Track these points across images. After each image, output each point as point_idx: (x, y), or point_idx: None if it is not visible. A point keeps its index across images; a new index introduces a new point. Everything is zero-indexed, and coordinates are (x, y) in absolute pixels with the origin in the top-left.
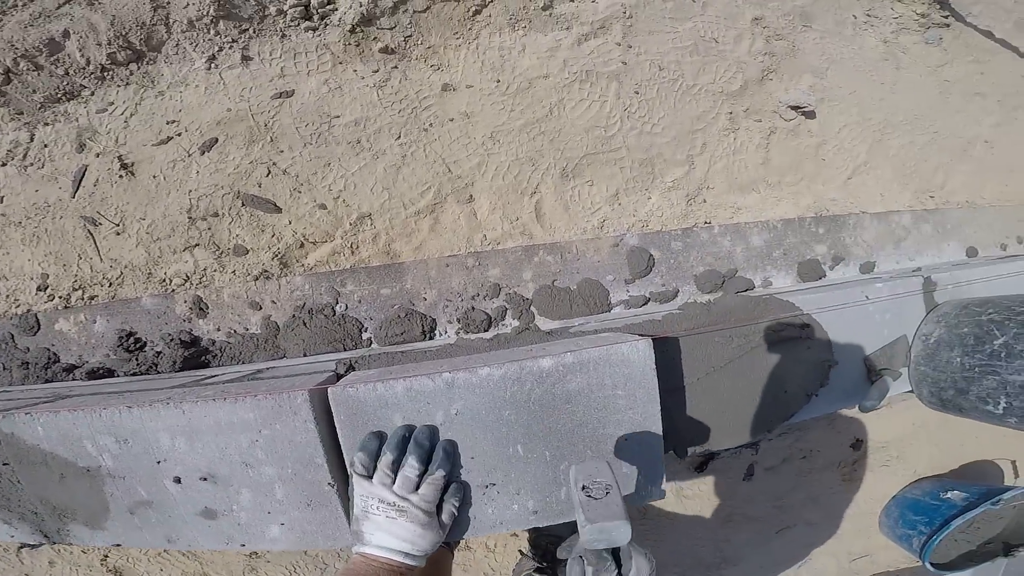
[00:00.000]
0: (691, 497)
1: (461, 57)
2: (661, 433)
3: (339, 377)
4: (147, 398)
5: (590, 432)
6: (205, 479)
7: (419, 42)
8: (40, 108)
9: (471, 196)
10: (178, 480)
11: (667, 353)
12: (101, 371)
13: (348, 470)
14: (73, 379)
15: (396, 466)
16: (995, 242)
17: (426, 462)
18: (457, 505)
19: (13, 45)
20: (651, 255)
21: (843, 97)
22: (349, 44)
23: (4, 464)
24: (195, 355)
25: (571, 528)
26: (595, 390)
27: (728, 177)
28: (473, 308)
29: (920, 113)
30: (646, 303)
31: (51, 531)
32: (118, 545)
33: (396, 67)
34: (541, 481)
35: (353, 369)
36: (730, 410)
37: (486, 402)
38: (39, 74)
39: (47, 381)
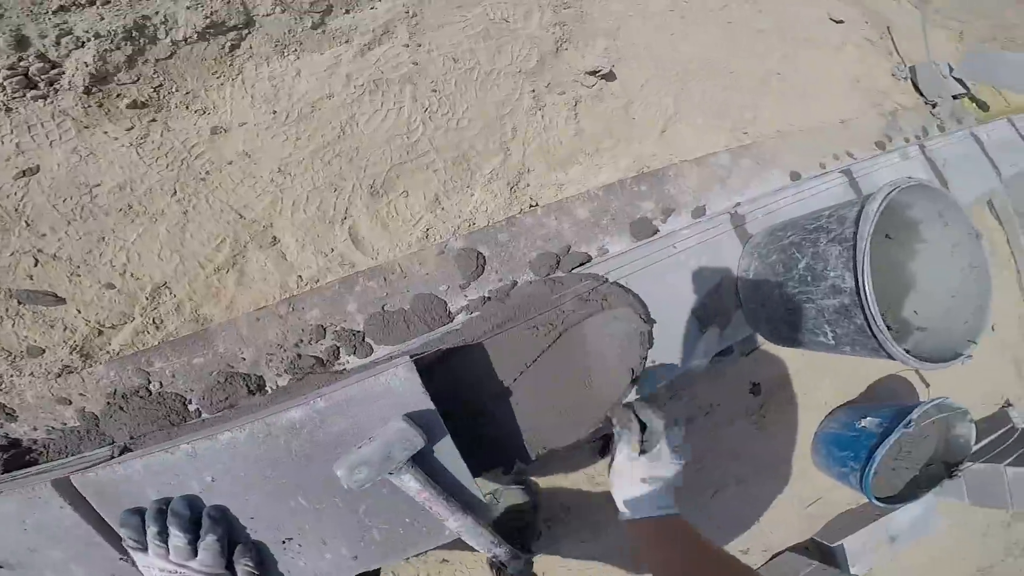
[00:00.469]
0: (604, 483)
1: (227, 95)
2: (456, 449)
3: (112, 459)
4: None
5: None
6: (1, 567)
7: (174, 89)
8: None
9: (274, 238)
10: None
11: (475, 360)
12: None
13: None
14: None
15: (164, 537)
16: (815, 164)
17: (193, 530)
18: (251, 564)
19: None
20: (479, 253)
21: (638, 54)
22: (90, 106)
23: None
24: (17, 456)
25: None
26: (364, 428)
27: (546, 156)
28: (300, 355)
29: (713, 57)
30: (486, 302)
31: None
32: None
33: (154, 120)
34: (345, 527)
35: (129, 450)
36: (558, 403)
37: (240, 465)
38: None
39: None
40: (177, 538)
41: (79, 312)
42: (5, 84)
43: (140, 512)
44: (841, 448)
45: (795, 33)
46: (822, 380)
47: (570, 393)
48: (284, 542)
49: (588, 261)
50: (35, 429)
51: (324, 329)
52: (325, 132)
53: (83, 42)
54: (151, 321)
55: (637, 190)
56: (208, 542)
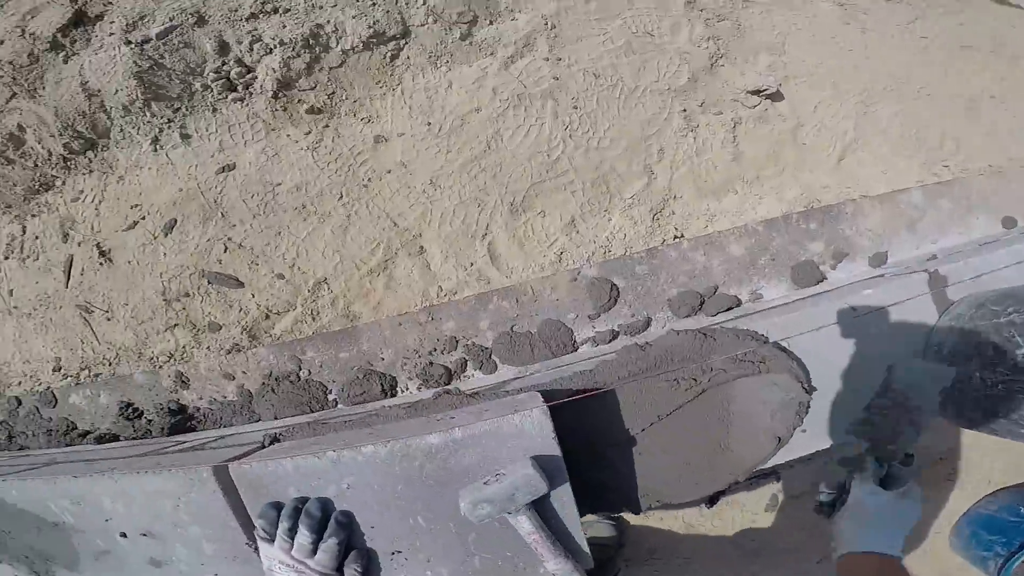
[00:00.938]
0: (707, 533)
1: (388, 105)
2: (572, 498)
3: (263, 448)
4: (97, 467)
5: None
6: (145, 535)
7: (344, 97)
8: (24, 200)
9: (421, 247)
10: (124, 535)
11: (604, 404)
12: (108, 436)
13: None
14: (85, 443)
15: (292, 533)
16: None
17: (319, 531)
18: (360, 570)
19: None
20: (614, 284)
21: (810, 71)
22: (276, 110)
23: None
24: (181, 421)
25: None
26: (492, 462)
27: (695, 181)
28: (431, 363)
29: (904, 76)
30: (615, 337)
31: (42, 571)
32: None
33: (327, 126)
34: (451, 550)
35: (278, 441)
36: (686, 460)
37: (376, 478)
38: (13, 168)
39: (67, 445)
40: (304, 536)
41: (253, 296)
42: (212, 86)
43: (278, 507)
44: (992, 531)
45: (1012, 50)
46: (992, 456)
47: (701, 452)
48: (393, 554)
49: (737, 305)
50: (200, 398)
51: (456, 341)
52: (473, 146)
53: (271, 48)
54: (310, 312)
55: (805, 228)
56: (329, 544)
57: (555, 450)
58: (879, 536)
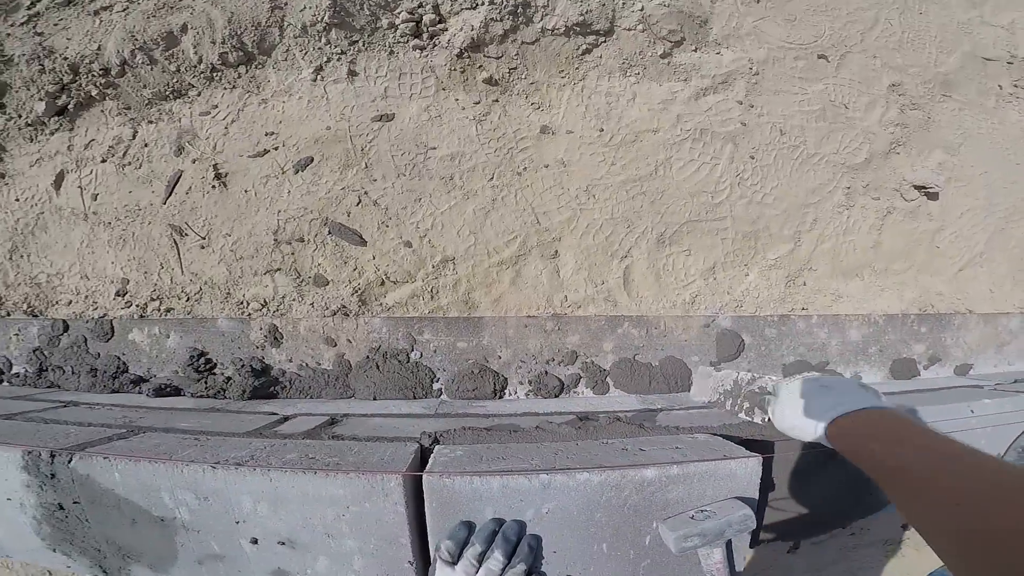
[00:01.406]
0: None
1: (564, 98)
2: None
3: (422, 450)
4: (229, 453)
5: None
6: (283, 544)
7: (523, 76)
8: (147, 104)
9: (556, 252)
10: (255, 541)
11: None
12: (168, 388)
13: (432, 554)
14: (139, 392)
15: (482, 558)
16: None
17: (510, 556)
18: None
19: (133, 36)
20: (742, 340)
21: (972, 177)
22: (454, 70)
23: (74, 503)
24: (265, 385)
25: None
26: (694, 500)
27: (834, 259)
28: (547, 372)
29: None
30: None
31: (112, 568)
32: None
33: (497, 100)
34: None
35: (438, 443)
36: (809, 506)
37: (579, 504)
38: (152, 68)
39: (113, 391)
40: (496, 562)
41: (373, 259)
42: (399, 25)
43: (469, 528)
44: None
45: None
46: None
47: (825, 501)
48: None
49: None
50: (290, 361)
51: (576, 356)
52: (640, 166)
53: (477, 4)
54: (428, 289)
55: (916, 329)
56: (517, 570)
57: (755, 494)
58: (844, 397)
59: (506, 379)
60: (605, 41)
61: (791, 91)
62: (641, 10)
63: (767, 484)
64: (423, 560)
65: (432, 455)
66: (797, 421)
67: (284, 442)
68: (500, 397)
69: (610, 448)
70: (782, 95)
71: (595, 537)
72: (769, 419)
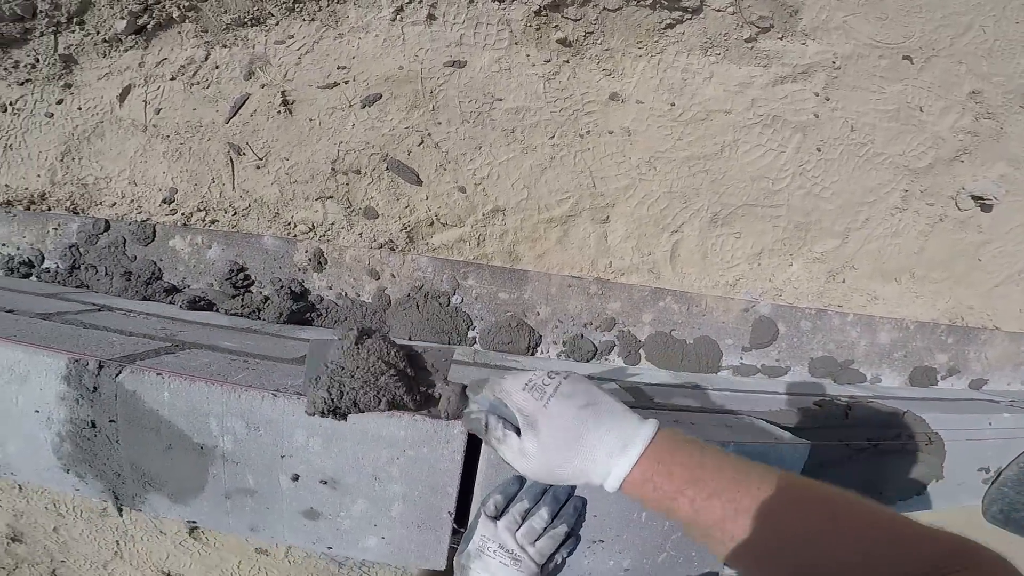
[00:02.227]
0: None
1: (638, 68)
2: None
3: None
4: (285, 379)
5: None
6: (325, 483)
7: (598, 42)
8: (224, 30)
9: (608, 217)
10: (296, 478)
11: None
12: (201, 301)
13: (479, 508)
14: (171, 303)
15: (526, 514)
16: None
17: (555, 515)
18: (566, 557)
19: None
20: (778, 329)
21: None
22: (530, 26)
23: (110, 421)
24: (301, 310)
25: None
26: None
27: (877, 260)
28: (582, 336)
29: None
30: (756, 373)
31: (125, 495)
32: (192, 522)
33: (568, 62)
34: (647, 545)
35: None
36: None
37: None
38: None
39: (145, 298)
40: (540, 520)
41: (426, 199)
42: None
43: (520, 484)
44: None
45: None
46: None
47: None
48: (593, 543)
49: (861, 381)
50: (330, 288)
51: (614, 323)
52: (706, 144)
53: None
54: (476, 235)
55: (944, 340)
56: (558, 531)
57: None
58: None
59: (541, 336)
60: (691, 18)
61: (869, 89)
62: None
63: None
64: (460, 512)
65: None
66: (570, 461)
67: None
68: (532, 354)
69: (662, 416)
70: (859, 92)
71: (636, 505)
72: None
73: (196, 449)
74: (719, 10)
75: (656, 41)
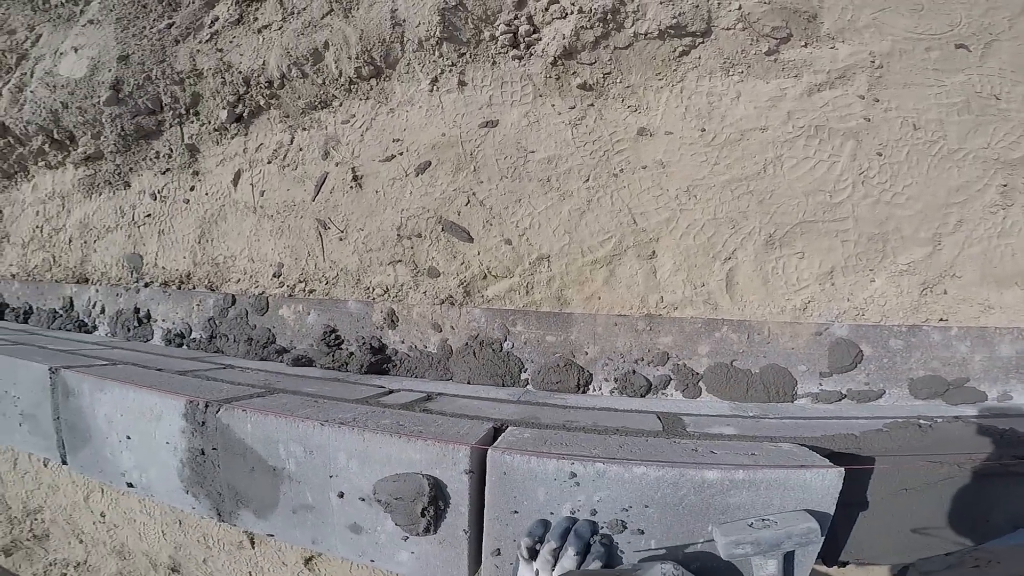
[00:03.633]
0: None
1: (662, 100)
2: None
3: (495, 431)
4: (337, 414)
5: None
6: (363, 499)
7: (618, 80)
8: (301, 113)
9: (654, 252)
10: (341, 495)
11: (850, 474)
12: (303, 359)
13: (515, 552)
14: (281, 361)
15: (557, 552)
16: None
17: (584, 552)
18: None
19: (288, 52)
20: (860, 351)
21: None
22: (550, 77)
23: (213, 449)
24: (379, 362)
25: None
26: (758, 508)
27: (984, 265)
28: (634, 371)
29: None
30: (840, 399)
31: (225, 511)
32: (271, 535)
33: (592, 105)
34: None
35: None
36: (905, 527)
37: (630, 497)
38: (304, 81)
39: (262, 359)
40: (570, 559)
41: (479, 254)
42: (499, 37)
43: (545, 527)
44: None
45: None
46: None
47: (930, 525)
48: None
49: (981, 401)
50: (402, 342)
51: (668, 358)
52: (746, 165)
53: (567, 13)
54: (525, 284)
55: None
56: (593, 568)
57: (830, 510)
58: None
59: (591, 374)
60: (703, 42)
61: (924, 83)
62: (739, 8)
63: (856, 501)
64: (477, 531)
65: (503, 434)
66: None
67: (383, 410)
68: (584, 392)
69: (678, 447)
70: (913, 88)
71: (644, 534)
72: None
73: (270, 471)
74: (728, 28)
75: (674, 70)
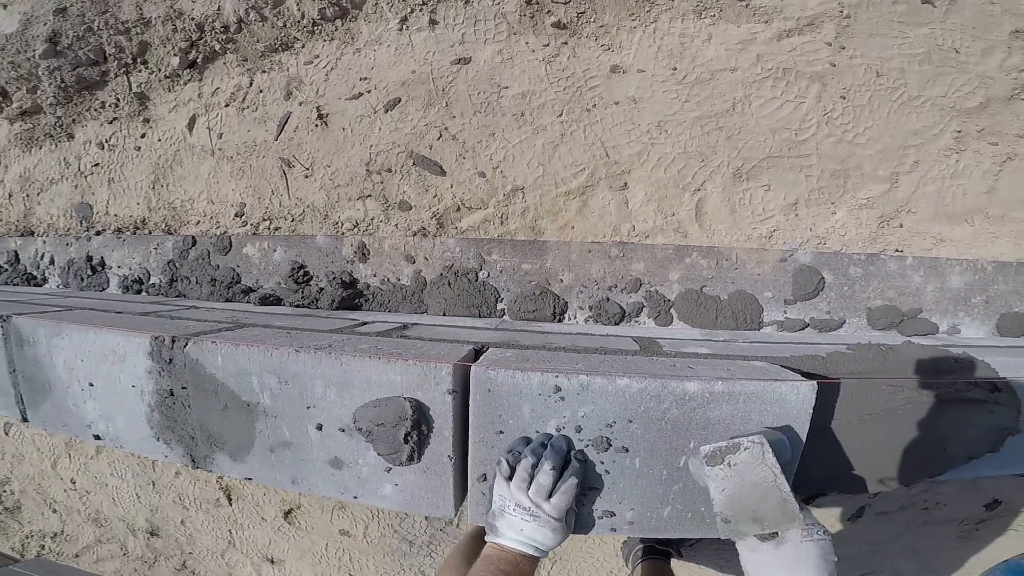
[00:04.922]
0: None
1: (635, 40)
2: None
3: (476, 352)
4: (311, 342)
5: None
6: (343, 430)
7: (592, 20)
8: (261, 56)
9: (626, 184)
10: (320, 427)
11: (820, 393)
12: (271, 298)
13: (494, 468)
14: (248, 301)
15: (534, 470)
16: None
17: (561, 469)
18: (576, 509)
19: None
20: (823, 277)
21: None
22: (524, 15)
23: (183, 388)
24: (351, 296)
25: None
26: (737, 423)
27: (937, 202)
28: (608, 299)
29: None
30: (804, 328)
31: (199, 456)
32: (248, 478)
33: (566, 43)
34: (648, 496)
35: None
36: (871, 458)
37: (614, 411)
38: (263, 25)
39: (227, 300)
40: (546, 476)
41: (451, 187)
42: None
43: (526, 443)
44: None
45: None
46: None
47: (891, 455)
48: (588, 490)
49: (933, 333)
50: (374, 275)
51: (640, 284)
52: (715, 103)
53: None
54: (499, 215)
55: None
56: (569, 484)
57: (804, 427)
58: None
59: (566, 303)
60: None
61: (889, 34)
62: None
63: (825, 430)
64: (461, 456)
65: (484, 354)
66: None
67: (360, 337)
68: (560, 320)
69: (657, 363)
70: (878, 38)
71: (629, 450)
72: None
73: (244, 407)
74: None
75: (648, 11)
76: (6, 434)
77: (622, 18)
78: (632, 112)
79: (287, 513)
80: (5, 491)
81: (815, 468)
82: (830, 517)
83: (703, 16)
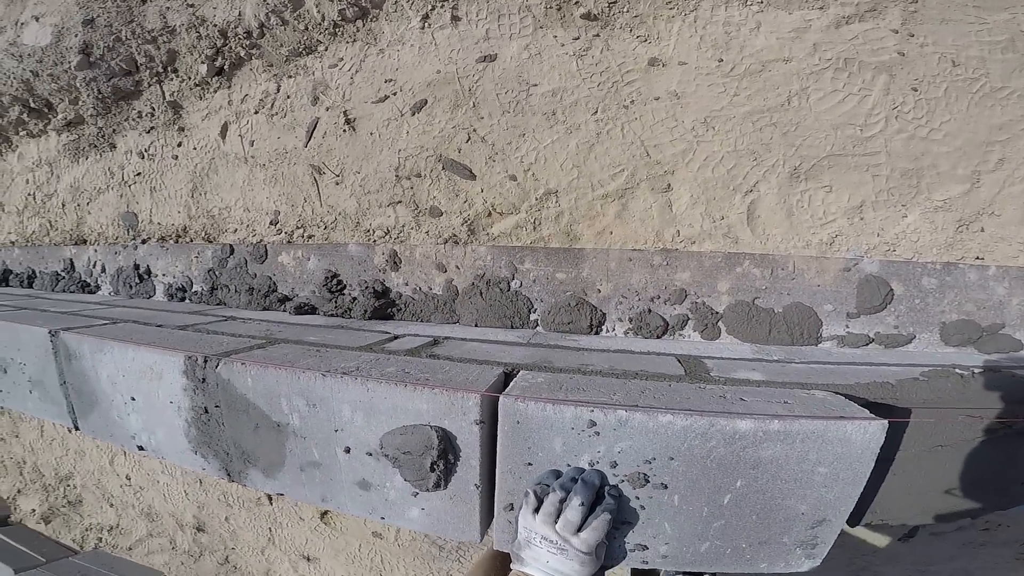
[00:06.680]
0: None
1: (674, 30)
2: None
3: (506, 376)
4: (339, 363)
5: (766, 501)
6: (370, 454)
7: (625, 9)
8: (285, 61)
9: (669, 185)
10: (348, 450)
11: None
12: (306, 307)
13: (521, 499)
14: (283, 310)
15: (562, 504)
16: None
17: (592, 504)
18: (607, 543)
19: (266, 0)
20: (891, 289)
21: None
22: (550, 7)
23: (216, 406)
24: (383, 306)
25: None
26: (792, 463)
27: None
28: (650, 311)
29: None
30: (868, 344)
31: (234, 471)
32: (281, 494)
33: (598, 35)
34: (685, 533)
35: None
36: (937, 489)
37: (654, 448)
38: (285, 29)
39: (264, 308)
40: (574, 511)
41: (482, 191)
42: None
43: (556, 477)
44: None
45: None
46: None
47: (959, 486)
48: (621, 524)
49: (1016, 350)
50: (406, 284)
51: (685, 295)
52: (768, 96)
53: None
54: (532, 220)
55: None
56: (600, 520)
57: (869, 466)
58: None
59: (604, 314)
60: None
61: (964, 20)
62: None
63: (888, 456)
64: (488, 484)
65: (514, 379)
66: None
67: (388, 357)
68: (596, 333)
69: (705, 394)
70: (952, 23)
71: (668, 487)
72: None
73: (274, 427)
74: None
75: None
76: (69, 432)
77: (658, 7)
78: (674, 108)
79: (323, 514)
80: (69, 485)
81: (871, 498)
82: (880, 537)
83: (748, 3)
